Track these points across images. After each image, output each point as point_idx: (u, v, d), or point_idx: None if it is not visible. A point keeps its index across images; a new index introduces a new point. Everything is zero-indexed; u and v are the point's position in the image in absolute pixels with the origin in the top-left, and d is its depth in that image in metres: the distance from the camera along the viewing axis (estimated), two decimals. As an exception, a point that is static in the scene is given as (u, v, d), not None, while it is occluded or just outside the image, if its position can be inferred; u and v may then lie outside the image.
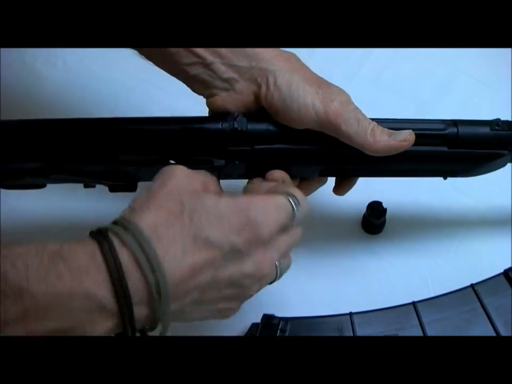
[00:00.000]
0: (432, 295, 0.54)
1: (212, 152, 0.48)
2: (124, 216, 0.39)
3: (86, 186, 0.53)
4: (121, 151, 0.49)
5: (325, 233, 0.62)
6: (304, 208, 0.44)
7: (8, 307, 0.34)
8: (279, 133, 0.49)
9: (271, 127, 0.49)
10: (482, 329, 0.52)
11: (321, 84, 0.48)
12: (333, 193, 0.55)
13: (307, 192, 0.52)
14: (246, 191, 0.49)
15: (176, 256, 0.38)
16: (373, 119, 0.48)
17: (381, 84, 0.71)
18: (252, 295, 0.44)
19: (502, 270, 0.54)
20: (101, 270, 0.36)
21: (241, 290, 0.42)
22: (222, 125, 0.48)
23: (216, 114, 0.50)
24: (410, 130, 0.48)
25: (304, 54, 0.51)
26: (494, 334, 0.51)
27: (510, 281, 0.53)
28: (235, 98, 0.49)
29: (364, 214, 0.61)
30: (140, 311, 0.37)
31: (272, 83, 0.47)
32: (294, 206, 0.43)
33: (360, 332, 0.52)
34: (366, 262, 0.60)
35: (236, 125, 0.48)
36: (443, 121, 0.51)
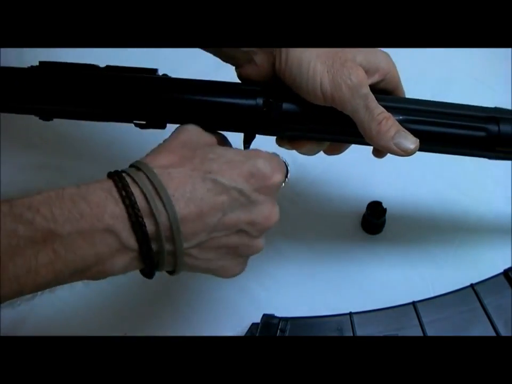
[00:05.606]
0: (432, 295, 0.54)
1: None
2: (138, 160, 0.42)
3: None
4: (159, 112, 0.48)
5: (325, 233, 0.62)
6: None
7: (40, 253, 0.36)
8: (302, 112, 0.48)
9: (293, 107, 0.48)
10: (482, 329, 0.51)
11: (335, 59, 0.45)
12: (332, 193, 0.55)
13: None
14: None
15: (185, 194, 0.40)
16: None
17: (381, 83, 0.71)
18: (254, 253, 0.45)
19: (502, 270, 0.54)
20: (117, 205, 0.38)
21: (247, 240, 0.43)
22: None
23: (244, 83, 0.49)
24: (416, 141, 0.45)
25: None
26: (494, 334, 0.51)
27: (510, 281, 0.53)
28: (257, 70, 0.48)
29: (364, 214, 0.61)
30: (155, 246, 0.39)
31: (284, 59, 0.46)
32: (287, 167, 0.45)
33: (360, 332, 0.52)
34: (366, 262, 0.60)
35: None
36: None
